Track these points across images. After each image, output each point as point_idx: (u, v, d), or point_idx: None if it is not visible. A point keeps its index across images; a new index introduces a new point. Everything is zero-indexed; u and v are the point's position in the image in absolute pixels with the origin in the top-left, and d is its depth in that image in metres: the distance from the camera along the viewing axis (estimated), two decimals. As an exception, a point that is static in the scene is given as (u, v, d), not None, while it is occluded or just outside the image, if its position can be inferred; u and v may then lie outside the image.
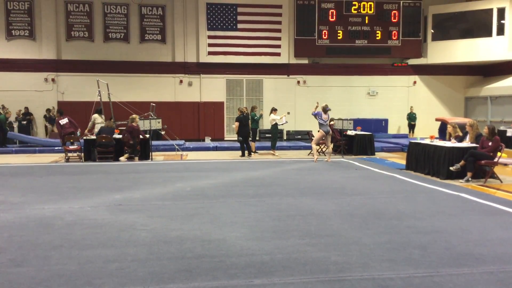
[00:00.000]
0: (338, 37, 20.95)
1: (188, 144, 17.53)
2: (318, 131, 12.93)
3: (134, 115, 13.26)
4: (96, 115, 14.61)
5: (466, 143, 10.16)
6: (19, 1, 19.47)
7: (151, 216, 6.10)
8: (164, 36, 20.48)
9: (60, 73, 19.86)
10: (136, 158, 13.03)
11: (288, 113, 20.77)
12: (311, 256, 4.45)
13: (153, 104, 17.08)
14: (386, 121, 21.50)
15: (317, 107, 13.09)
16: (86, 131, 14.24)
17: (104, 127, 13.50)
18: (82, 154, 13.24)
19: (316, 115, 12.85)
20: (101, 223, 5.72)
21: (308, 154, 14.85)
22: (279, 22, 20.76)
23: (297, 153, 15.51)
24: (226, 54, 20.54)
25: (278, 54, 20.89)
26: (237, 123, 14.07)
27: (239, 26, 20.52)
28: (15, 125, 18.69)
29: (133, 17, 20.23)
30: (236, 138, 15.02)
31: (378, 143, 17.10)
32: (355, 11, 20.96)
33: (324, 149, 14.95)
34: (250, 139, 14.49)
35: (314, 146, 13.12)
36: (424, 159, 10.61)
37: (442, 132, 14.65)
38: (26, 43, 19.63)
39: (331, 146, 13.33)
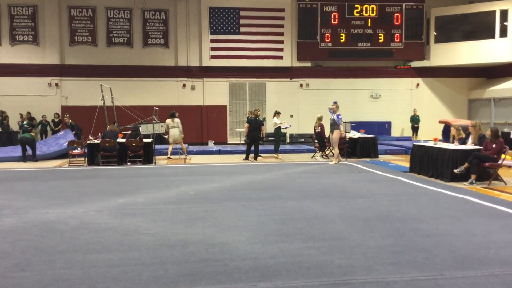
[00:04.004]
0: (341, 40, 20.95)
1: (191, 147, 17.56)
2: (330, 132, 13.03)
3: (319, 115, 14.50)
4: (168, 120, 14.65)
5: (469, 145, 10.14)
6: (22, 6, 19.58)
7: (154, 220, 6.10)
8: (167, 41, 20.54)
9: (63, 77, 19.94)
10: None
11: (291, 116, 20.86)
12: (315, 260, 4.45)
13: (156, 108, 17.14)
14: (389, 123, 21.47)
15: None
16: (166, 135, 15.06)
17: (108, 131, 13.55)
18: (86, 158, 13.28)
19: (338, 117, 12.80)
20: (104, 227, 5.73)
21: (312, 157, 14.84)
22: (282, 26, 20.78)
23: (300, 157, 15.49)
24: (229, 58, 20.58)
25: (281, 58, 20.91)
26: (246, 125, 14.24)
27: (242, 30, 20.56)
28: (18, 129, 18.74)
29: (136, 21, 20.31)
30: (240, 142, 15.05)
31: (382, 146, 17.06)
32: (358, 14, 20.96)
33: (327, 152, 14.94)
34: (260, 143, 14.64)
35: (337, 150, 13.01)
36: (427, 162, 10.58)
37: (446, 135, 14.63)
38: (30, 48, 19.72)
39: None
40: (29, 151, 13.85)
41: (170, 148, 14.75)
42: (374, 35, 21.08)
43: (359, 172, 11.13)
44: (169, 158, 14.56)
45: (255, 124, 14.05)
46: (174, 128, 14.52)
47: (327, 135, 14.29)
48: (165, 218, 6.22)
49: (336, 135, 12.77)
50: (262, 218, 6.18)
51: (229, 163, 13.62)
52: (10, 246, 4.99)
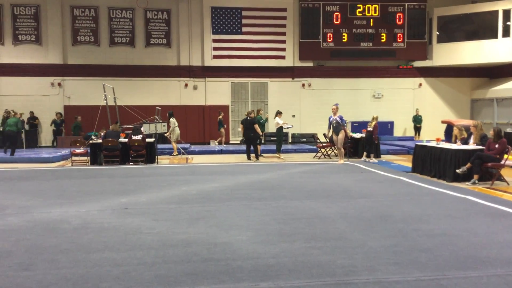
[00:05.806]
0: (343, 40, 20.94)
1: (193, 147, 17.57)
2: (331, 132, 13.01)
3: (376, 115, 14.30)
4: (174, 120, 15.88)
5: (471, 145, 10.12)
6: (25, 6, 19.62)
7: (157, 220, 6.11)
8: (169, 40, 20.56)
9: (66, 77, 19.98)
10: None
11: (293, 116, 20.84)
12: (317, 260, 4.45)
13: (159, 108, 17.13)
14: (391, 123, 21.44)
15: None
16: (167, 134, 15.89)
17: (110, 130, 13.58)
18: (88, 158, 13.31)
19: (342, 119, 12.81)
20: (107, 227, 5.74)
21: (314, 157, 14.83)
22: (284, 25, 20.78)
23: (302, 156, 15.48)
24: (231, 58, 20.59)
25: (283, 57, 20.91)
26: (241, 126, 14.48)
27: (244, 29, 20.57)
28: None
29: (138, 21, 20.34)
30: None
31: (384, 146, 17.04)
32: (360, 14, 20.95)
33: (329, 152, 14.94)
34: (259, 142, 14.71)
35: (343, 150, 13.03)
36: (430, 162, 10.57)
37: (448, 135, 14.59)
38: (33, 48, 19.77)
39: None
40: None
41: (175, 146, 15.94)
42: (376, 35, 21.06)
43: (361, 172, 11.11)
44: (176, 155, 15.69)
45: (246, 124, 14.15)
46: (177, 127, 15.63)
47: (330, 135, 14.24)
48: (168, 218, 6.23)
49: (341, 135, 12.79)
50: (264, 218, 6.18)
51: (231, 162, 13.63)
52: (13, 245, 5.00)
